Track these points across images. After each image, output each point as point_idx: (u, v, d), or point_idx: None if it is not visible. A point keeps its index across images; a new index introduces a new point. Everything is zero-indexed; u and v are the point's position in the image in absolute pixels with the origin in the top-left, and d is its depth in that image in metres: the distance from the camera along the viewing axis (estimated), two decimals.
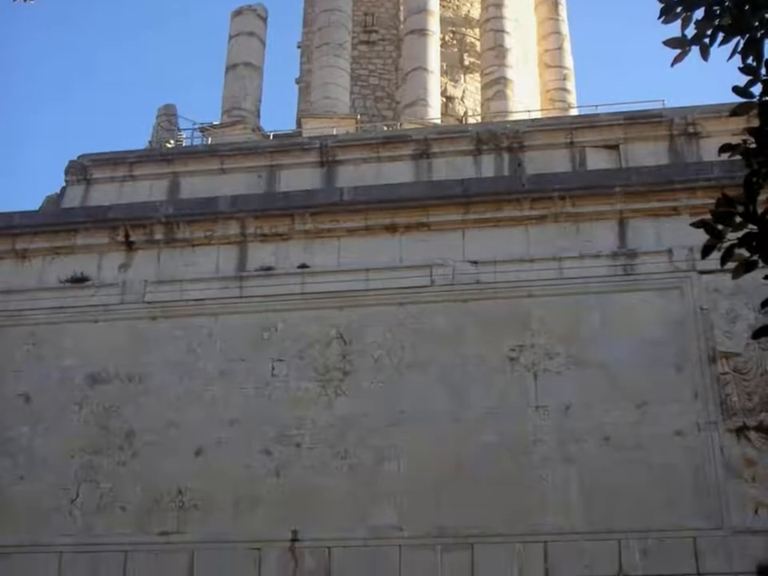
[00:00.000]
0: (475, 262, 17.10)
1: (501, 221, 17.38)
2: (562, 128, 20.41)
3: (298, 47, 32.24)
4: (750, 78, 7.52)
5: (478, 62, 30.09)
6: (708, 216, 7.84)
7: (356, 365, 16.62)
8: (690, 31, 7.60)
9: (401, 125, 25.52)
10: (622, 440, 15.35)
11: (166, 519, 15.94)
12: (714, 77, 45.33)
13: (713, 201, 8.20)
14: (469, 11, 32.07)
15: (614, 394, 15.77)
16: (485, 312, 16.69)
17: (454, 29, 31.17)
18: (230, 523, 15.76)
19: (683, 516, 14.75)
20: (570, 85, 31.65)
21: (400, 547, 15.18)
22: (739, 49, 7.59)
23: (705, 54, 7.56)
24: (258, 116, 27.46)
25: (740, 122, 15.97)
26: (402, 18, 29.90)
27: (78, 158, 20.75)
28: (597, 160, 19.43)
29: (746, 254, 7.85)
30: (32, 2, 12.08)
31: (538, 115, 26.66)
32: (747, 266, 7.84)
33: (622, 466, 15.18)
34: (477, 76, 30.10)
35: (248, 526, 15.69)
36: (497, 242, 17.19)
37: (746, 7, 7.64)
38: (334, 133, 22.68)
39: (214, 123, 26.33)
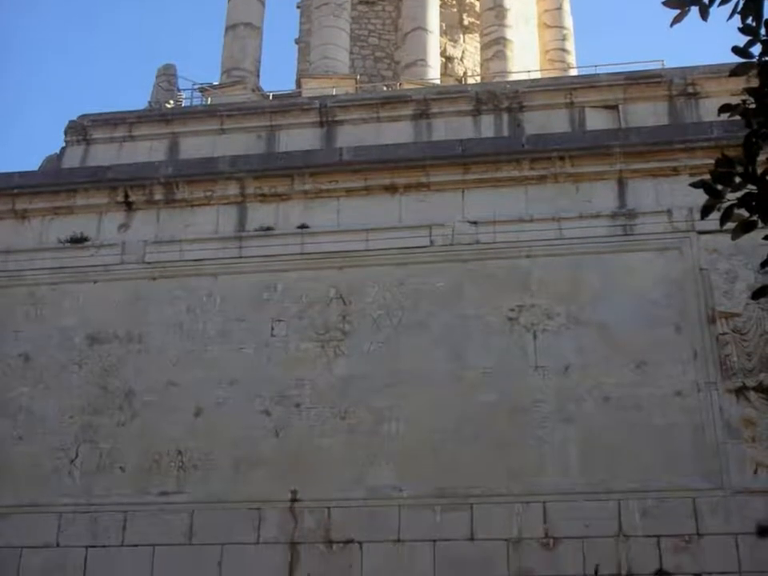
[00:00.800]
0: (474, 222, 17.02)
1: (500, 181, 17.29)
2: (562, 88, 20.41)
3: (298, 7, 31.95)
4: (749, 38, 7.43)
5: (478, 22, 29.78)
6: (707, 176, 7.84)
7: (355, 325, 16.57)
8: None
9: (400, 85, 25.35)
10: (621, 400, 15.35)
11: (165, 479, 15.91)
12: (714, 37, 44.83)
13: (712, 161, 8.25)
14: None
15: (613, 354, 15.73)
16: (484, 272, 16.64)
17: None
18: (230, 483, 15.75)
19: (683, 476, 14.75)
20: (570, 45, 31.34)
21: (399, 507, 15.16)
22: (739, 9, 7.47)
23: (704, 14, 7.47)
24: (258, 76, 27.18)
25: (740, 83, 15.99)
26: None
27: (78, 118, 20.70)
28: (596, 120, 19.39)
29: (746, 214, 7.84)
30: None
31: (537, 75, 26.48)
32: (746, 227, 7.83)
33: (621, 426, 15.18)
34: (476, 36, 29.81)
35: (248, 486, 15.68)
36: (496, 202, 17.11)
37: None
38: (334, 93, 22.54)
39: (214, 84, 26.07)
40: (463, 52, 29.73)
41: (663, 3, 7.54)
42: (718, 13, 7.50)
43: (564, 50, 30.87)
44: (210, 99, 24.63)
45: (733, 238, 8.09)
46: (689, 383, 15.38)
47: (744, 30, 7.41)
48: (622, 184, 17.08)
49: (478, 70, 28.79)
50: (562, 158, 17.20)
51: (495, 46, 27.66)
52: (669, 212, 16.61)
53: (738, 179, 7.77)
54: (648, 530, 14.48)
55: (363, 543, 14.99)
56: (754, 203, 7.81)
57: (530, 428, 15.44)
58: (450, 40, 29.58)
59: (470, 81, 28.06)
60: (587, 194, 17.08)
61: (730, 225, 7.93)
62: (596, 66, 23.35)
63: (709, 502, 14.57)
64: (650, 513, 14.59)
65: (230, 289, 17.06)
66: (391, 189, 17.42)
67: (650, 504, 14.66)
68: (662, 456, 14.95)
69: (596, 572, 14.28)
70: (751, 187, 7.77)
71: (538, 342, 16.03)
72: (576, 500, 14.82)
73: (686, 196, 15.91)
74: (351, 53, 27.89)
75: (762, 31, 7.39)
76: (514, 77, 25.39)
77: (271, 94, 24.87)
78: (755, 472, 14.74)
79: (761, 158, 7.94)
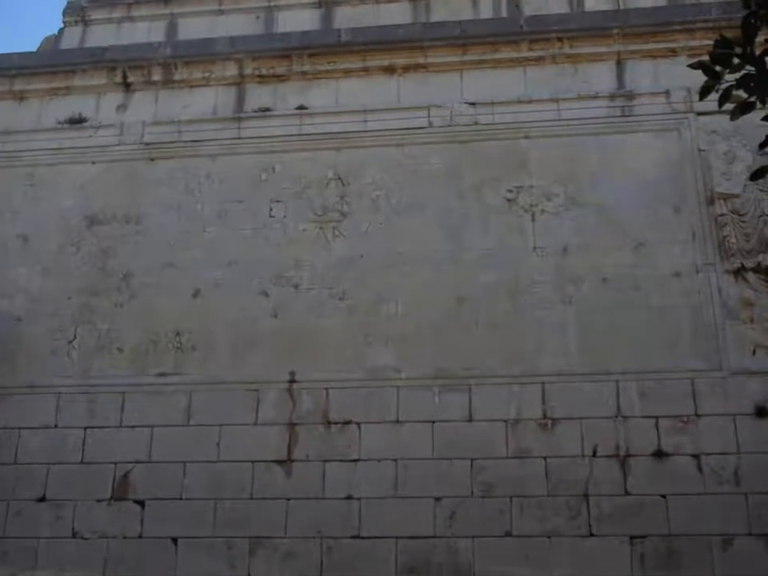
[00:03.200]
0: (473, 104, 15.13)
1: (499, 62, 15.38)
2: None
3: None
4: None
5: None
6: (706, 57, 7.52)
7: (354, 206, 14.78)
8: None
9: None
10: (620, 281, 13.80)
11: (163, 361, 14.25)
12: None
13: (711, 42, 8.01)
14: None
15: (611, 235, 14.13)
16: (483, 153, 14.86)
17: None
18: (228, 364, 14.10)
19: (681, 357, 13.25)
20: None
21: (398, 388, 13.56)
22: None
23: None
24: None
25: None
26: None
27: None
28: (595, 1, 17.15)
29: (744, 95, 7.50)
30: None
31: None
32: (745, 108, 7.58)
33: (620, 308, 13.66)
34: None
35: (246, 368, 14.05)
36: (495, 84, 15.26)
37: None
38: None
39: None
40: None
41: None
42: None
43: None
44: None
45: (732, 119, 7.79)
46: (687, 264, 13.80)
47: None
48: (620, 65, 15.25)
49: None
50: (560, 39, 15.30)
51: None
52: (667, 93, 14.83)
53: (736, 60, 7.36)
54: (646, 410, 12.99)
55: (362, 424, 13.37)
56: (752, 84, 7.39)
57: (529, 309, 13.83)
58: None
59: None
60: (586, 75, 15.24)
61: (729, 106, 7.61)
62: None
63: (707, 382, 13.08)
64: (649, 394, 13.06)
65: (228, 170, 15.23)
66: (389, 70, 15.48)
67: (648, 385, 13.12)
68: (660, 337, 13.42)
69: (594, 454, 12.85)
70: (749, 68, 7.37)
71: (536, 223, 14.30)
72: (574, 381, 13.23)
73: (684, 77, 13.97)
74: None
75: None
76: None
77: None
78: (753, 353, 13.25)
79: (759, 39, 7.55)
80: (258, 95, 15.63)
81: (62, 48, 17.28)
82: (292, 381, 13.65)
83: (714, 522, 12.30)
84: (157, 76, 15.73)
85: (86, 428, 13.76)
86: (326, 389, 13.56)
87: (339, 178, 14.83)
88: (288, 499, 13.05)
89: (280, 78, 15.55)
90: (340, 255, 14.39)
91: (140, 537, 13.33)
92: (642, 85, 15.02)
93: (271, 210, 14.76)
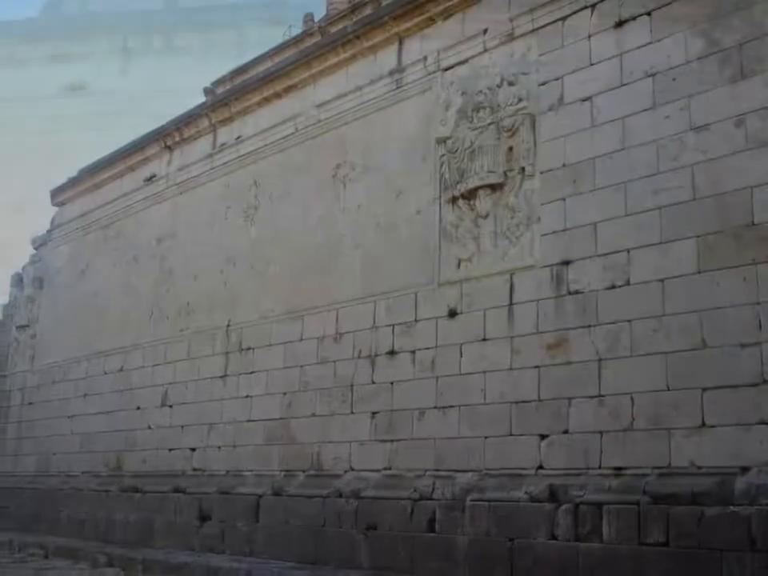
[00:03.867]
0: (319, 105, 19.08)
1: (330, 68, 19.03)
2: None
3: None
4: None
5: None
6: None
7: (261, 202, 20.14)
8: None
9: None
10: (387, 225, 16.66)
11: (183, 320, 21.38)
12: None
13: None
14: None
15: (384, 190, 16.98)
16: (323, 145, 18.62)
17: None
18: (206, 318, 20.70)
19: (410, 275, 16.13)
20: None
21: (272, 323, 18.96)
22: None
23: None
24: None
25: None
26: None
27: None
28: None
29: None
30: None
31: None
32: None
33: (385, 245, 16.55)
34: None
35: (211, 320, 20.49)
36: (331, 86, 18.87)
37: None
38: None
39: None
40: None
41: None
42: None
43: None
44: None
45: None
46: (426, 201, 16.03)
47: None
48: (400, 45, 17.45)
49: None
50: (357, 36, 18.23)
51: None
52: (425, 58, 16.79)
53: None
54: (387, 320, 16.29)
55: (255, 349, 19.27)
56: None
57: (341, 256, 17.53)
58: None
59: None
60: (380, 60, 17.80)
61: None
62: None
63: (423, 295, 15.60)
64: (392, 308, 16.02)
65: (206, 189, 21.71)
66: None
67: (390, 302, 16.10)
68: (403, 261, 16.22)
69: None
70: None
71: (345, 190, 17.96)
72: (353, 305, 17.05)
73: (437, 40, 16.30)
74: None
75: None
76: None
77: None
78: (458, 266, 15.42)
79: None
80: (223, 136, 21.59)
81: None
82: (228, 325, 19.92)
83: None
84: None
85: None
86: (242, 328, 19.65)
87: (255, 183, 20.27)
88: (223, 399, 19.83)
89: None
90: (254, 238, 19.95)
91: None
92: (411, 57, 16.91)
93: (226, 212, 20.95)
